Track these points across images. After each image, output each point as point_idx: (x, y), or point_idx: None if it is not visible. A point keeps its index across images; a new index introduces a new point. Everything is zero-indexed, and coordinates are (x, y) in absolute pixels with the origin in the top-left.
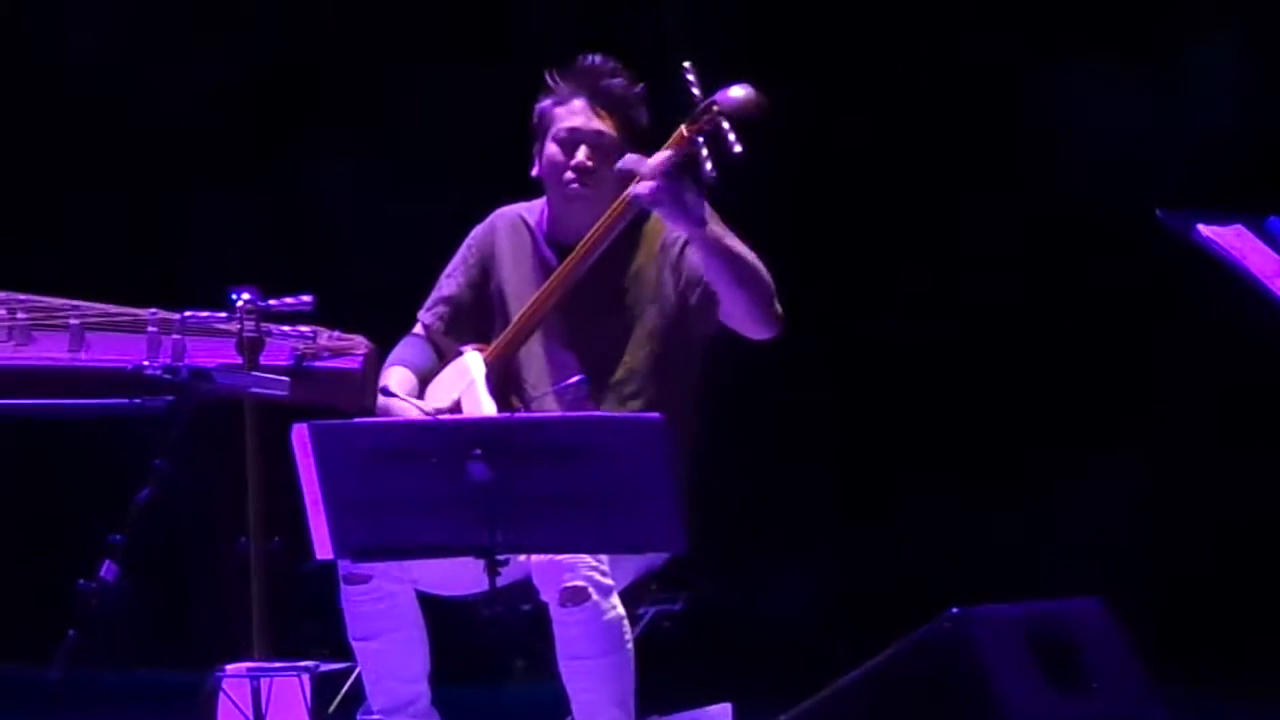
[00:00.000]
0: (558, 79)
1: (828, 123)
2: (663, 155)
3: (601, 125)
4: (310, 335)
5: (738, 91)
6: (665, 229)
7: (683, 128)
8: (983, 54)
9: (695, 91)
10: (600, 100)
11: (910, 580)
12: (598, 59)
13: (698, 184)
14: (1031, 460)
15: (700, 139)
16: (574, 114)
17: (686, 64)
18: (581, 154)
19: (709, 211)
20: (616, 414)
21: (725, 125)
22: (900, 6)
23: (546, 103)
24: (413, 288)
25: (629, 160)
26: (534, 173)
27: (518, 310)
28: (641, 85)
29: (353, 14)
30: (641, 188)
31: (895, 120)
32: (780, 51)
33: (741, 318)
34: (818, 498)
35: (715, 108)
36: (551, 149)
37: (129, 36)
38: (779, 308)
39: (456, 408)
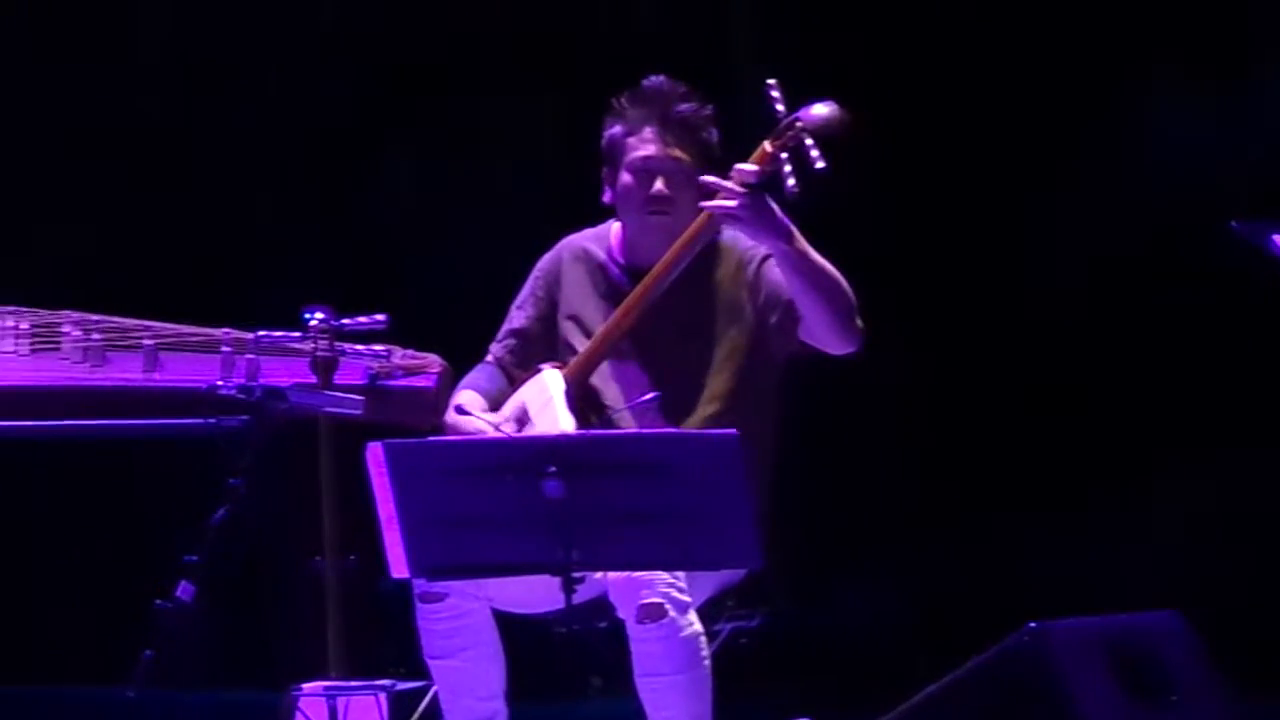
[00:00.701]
0: (625, 104)
1: (898, 133)
2: (745, 170)
3: (675, 152)
4: (384, 354)
5: (821, 109)
6: (743, 247)
7: (766, 143)
8: (1054, 66)
9: (779, 108)
10: (671, 127)
11: (989, 594)
12: (663, 81)
13: (781, 199)
14: (1108, 472)
15: (783, 155)
16: (646, 143)
17: (771, 80)
18: (659, 184)
19: (792, 226)
20: (691, 430)
21: (809, 142)
22: (971, 20)
23: (616, 130)
24: (486, 306)
25: (711, 179)
26: (606, 200)
27: (589, 337)
28: (711, 105)
29: (423, 34)
30: (724, 204)
31: (964, 130)
32: (847, 62)
33: (823, 333)
34: (895, 512)
35: (799, 124)
36: (626, 179)
37: (202, 53)
38: (859, 322)
39: (523, 416)
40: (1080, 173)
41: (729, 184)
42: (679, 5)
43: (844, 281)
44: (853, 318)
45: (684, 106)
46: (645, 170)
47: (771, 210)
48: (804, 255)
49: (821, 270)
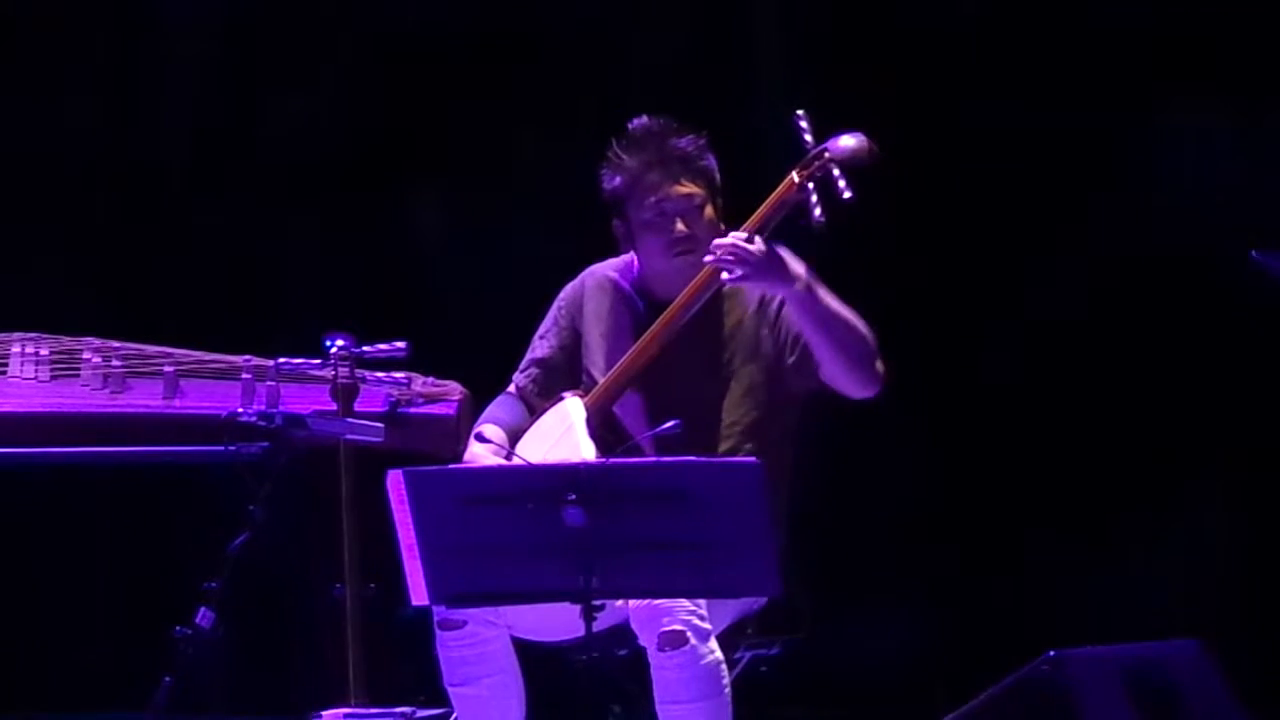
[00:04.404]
0: (620, 154)
1: (920, 171)
2: (737, 236)
3: (683, 189)
4: (404, 381)
5: (848, 140)
6: None
7: (793, 174)
8: (1077, 103)
9: (807, 139)
10: (672, 165)
11: (1008, 622)
12: (651, 121)
13: (808, 229)
14: (1129, 499)
15: (810, 185)
16: (653, 189)
17: (799, 112)
18: (679, 225)
19: (805, 269)
20: (712, 458)
21: (836, 172)
22: (992, 54)
23: (618, 182)
24: (507, 333)
25: (711, 252)
26: (624, 250)
27: (608, 367)
28: (704, 133)
29: (448, 60)
30: (728, 270)
31: (985, 167)
32: (870, 99)
33: (841, 377)
34: (914, 541)
35: (826, 155)
36: (644, 229)
37: (219, 81)
38: (880, 367)
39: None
40: (1105, 200)
41: (724, 252)
42: (705, 38)
43: (862, 327)
44: (870, 363)
45: (679, 141)
46: (661, 215)
47: (779, 260)
48: (815, 300)
49: (834, 315)
